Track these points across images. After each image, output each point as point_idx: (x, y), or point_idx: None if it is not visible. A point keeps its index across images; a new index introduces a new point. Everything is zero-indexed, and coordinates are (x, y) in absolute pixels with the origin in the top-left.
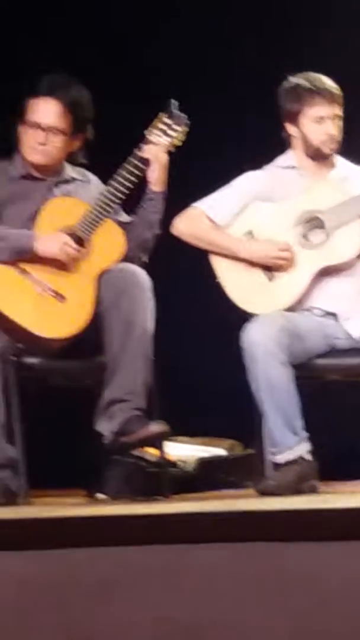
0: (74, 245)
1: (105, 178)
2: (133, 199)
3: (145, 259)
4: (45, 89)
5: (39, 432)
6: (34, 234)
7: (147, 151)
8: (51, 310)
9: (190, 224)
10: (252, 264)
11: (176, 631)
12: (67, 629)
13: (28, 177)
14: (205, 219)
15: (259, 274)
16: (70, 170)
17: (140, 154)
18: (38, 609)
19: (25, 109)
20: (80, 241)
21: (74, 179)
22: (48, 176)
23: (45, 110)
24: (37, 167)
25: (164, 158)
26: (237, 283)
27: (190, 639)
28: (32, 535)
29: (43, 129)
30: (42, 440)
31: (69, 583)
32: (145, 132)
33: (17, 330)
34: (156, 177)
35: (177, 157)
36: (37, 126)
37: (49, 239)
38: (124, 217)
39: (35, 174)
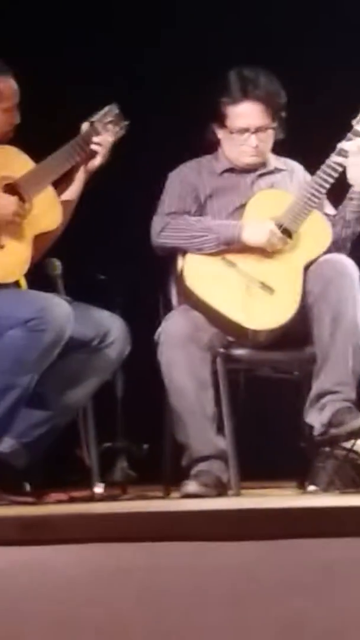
0: (280, 234)
1: (312, 167)
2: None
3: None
4: (239, 91)
5: (250, 424)
6: (241, 224)
7: (349, 144)
8: (258, 302)
9: None
10: None
11: None
12: (279, 618)
13: (232, 170)
14: None
15: None
16: (274, 161)
17: (343, 145)
18: (248, 598)
19: (224, 114)
20: (286, 232)
21: (278, 170)
22: (253, 169)
23: (248, 114)
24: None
25: None
26: None
27: None
28: (243, 526)
29: (252, 133)
30: (253, 432)
31: (280, 572)
32: (353, 121)
33: (224, 322)
34: (357, 177)
35: None
36: (245, 131)
37: (256, 228)
38: (330, 210)
39: (240, 167)
